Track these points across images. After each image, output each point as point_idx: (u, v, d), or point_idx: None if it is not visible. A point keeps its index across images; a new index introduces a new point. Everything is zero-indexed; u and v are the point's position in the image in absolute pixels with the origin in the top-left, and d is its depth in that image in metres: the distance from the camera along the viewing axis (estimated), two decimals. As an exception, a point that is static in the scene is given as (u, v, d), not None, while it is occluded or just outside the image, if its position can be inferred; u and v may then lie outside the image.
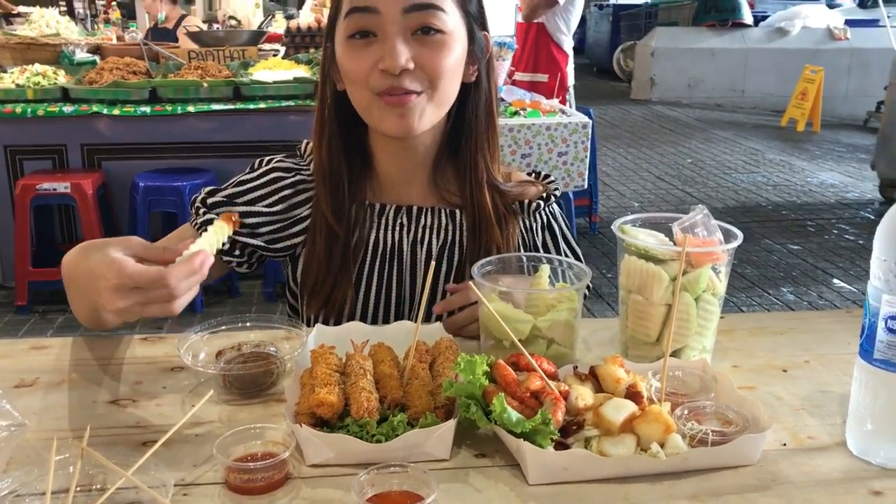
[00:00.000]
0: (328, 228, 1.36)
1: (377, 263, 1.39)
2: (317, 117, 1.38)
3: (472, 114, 1.37)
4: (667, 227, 1.16)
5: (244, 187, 1.39)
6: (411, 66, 1.23)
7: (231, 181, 1.41)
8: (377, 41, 1.24)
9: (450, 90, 1.30)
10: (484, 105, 1.38)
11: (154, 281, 0.97)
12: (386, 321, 1.38)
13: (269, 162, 1.44)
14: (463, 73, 1.32)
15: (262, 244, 1.38)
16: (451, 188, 1.41)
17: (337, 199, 1.37)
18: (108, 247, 1.02)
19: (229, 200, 1.37)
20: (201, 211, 1.37)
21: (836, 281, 4.88)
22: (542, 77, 5.35)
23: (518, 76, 5.43)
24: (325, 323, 1.35)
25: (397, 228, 1.40)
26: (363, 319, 1.38)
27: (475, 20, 1.33)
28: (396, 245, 1.40)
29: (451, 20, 1.27)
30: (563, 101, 5.20)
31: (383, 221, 1.40)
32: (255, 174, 1.41)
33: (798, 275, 4.96)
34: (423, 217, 1.41)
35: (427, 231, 1.41)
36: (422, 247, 1.41)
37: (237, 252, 1.38)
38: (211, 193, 1.39)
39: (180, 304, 0.99)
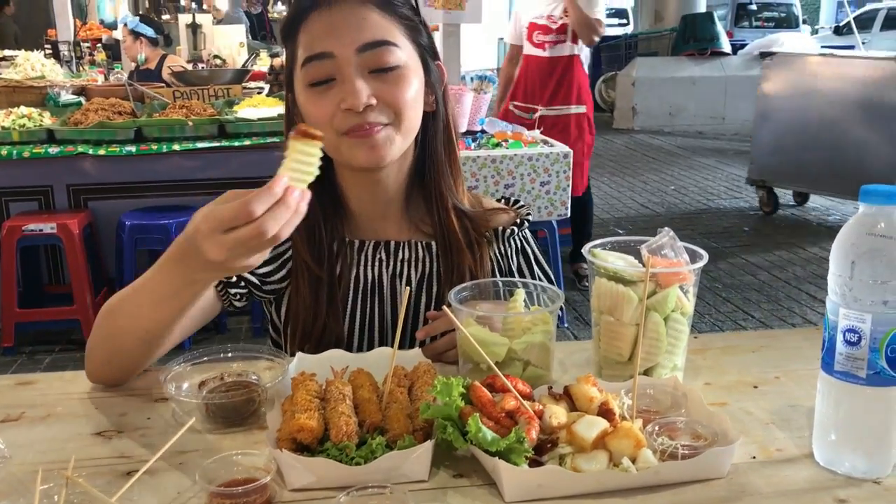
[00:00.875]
0: (310, 272, 1.39)
1: (359, 299, 1.42)
2: None
3: (432, 142, 1.42)
4: (636, 249, 1.20)
5: None
6: (373, 101, 1.27)
7: None
8: (336, 84, 1.28)
9: (415, 119, 1.34)
10: (443, 133, 1.42)
11: (238, 214, 0.95)
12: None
13: None
14: (424, 102, 1.37)
15: (257, 282, 1.40)
16: (424, 219, 1.45)
17: (314, 242, 1.39)
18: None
19: None
20: None
21: (820, 302, 4.93)
22: (582, 108, 5.06)
23: (547, 111, 5.03)
24: None
25: (377, 264, 1.43)
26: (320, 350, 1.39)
27: (427, 51, 1.37)
28: (377, 280, 1.43)
29: (405, 53, 1.31)
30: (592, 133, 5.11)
31: (363, 258, 1.43)
32: None
33: (782, 298, 5.01)
34: (400, 251, 1.44)
35: (405, 265, 1.44)
36: (401, 280, 1.43)
37: (242, 283, 1.39)
38: None
39: (271, 240, 0.97)
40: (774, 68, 6.84)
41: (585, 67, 5.13)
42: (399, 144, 1.33)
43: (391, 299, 1.43)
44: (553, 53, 4.98)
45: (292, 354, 1.40)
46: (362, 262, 1.43)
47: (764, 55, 7.47)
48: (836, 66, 6.55)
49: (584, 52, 5.07)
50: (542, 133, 4.72)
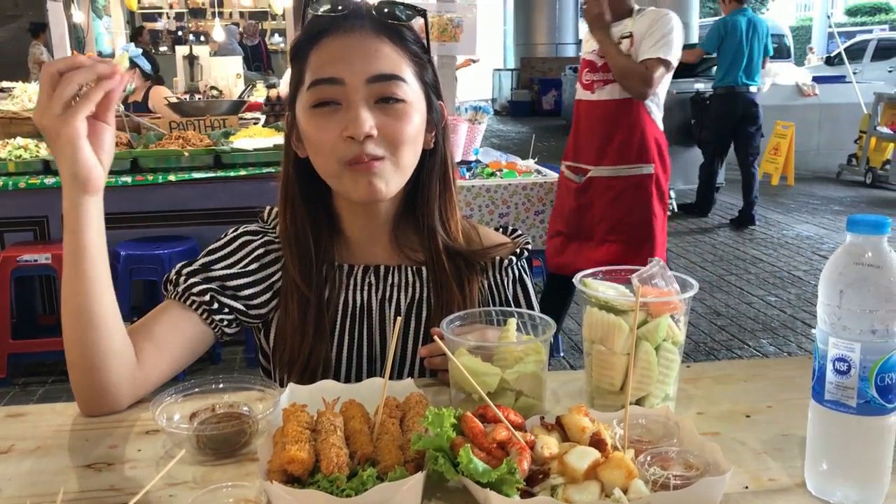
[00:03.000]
0: (299, 294, 1.39)
1: (347, 323, 1.42)
2: (281, 185, 1.43)
3: (427, 179, 1.42)
4: (627, 279, 1.20)
5: (217, 255, 1.43)
6: (375, 132, 1.28)
7: (202, 253, 1.45)
8: (341, 110, 1.29)
9: (411, 156, 1.35)
10: (439, 170, 1.43)
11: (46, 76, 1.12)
12: (359, 379, 1.40)
13: (235, 230, 1.48)
14: (423, 140, 1.38)
15: (242, 308, 1.41)
16: (414, 245, 1.46)
17: (305, 263, 1.40)
18: None
19: (204, 269, 1.40)
20: (180, 280, 1.39)
21: (815, 331, 4.92)
22: (647, 168, 3.70)
23: (596, 171, 3.75)
24: (299, 384, 1.37)
25: (366, 288, 1.44)
26: (336, 378, 1.40)
27: (432, 89, 1.39)
28: (366, 305, 1.43)
29: (411, 90, 1.32)
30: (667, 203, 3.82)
31: (352, 282, 1.44)
32: (224, 241, 1.45)
33: (777, 326, 5.01)
34: (389, 276, 1.45)
35: (395, 289, 1.44)
36: (390, 305, 1.44)
37: (226, 310, 1.40)
38: (184, 266, 1.42)
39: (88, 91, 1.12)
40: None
41: (657, 114, 3.71)
42: (397, 181, 1.34)
43: (380, 324, 1.43)
44: (602, 96, 3.68)
45: (281, 381, 1.41)
46: (351, 287, 1.43)
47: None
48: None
49: (657, 95, 3.66)
50: (593, 200, 3.75)
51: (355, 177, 1.30)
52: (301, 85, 1.33)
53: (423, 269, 1.45)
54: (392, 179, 1.33)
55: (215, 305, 1.38)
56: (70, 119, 1.12)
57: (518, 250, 1.52)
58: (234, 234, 1.46)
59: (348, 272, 1.44)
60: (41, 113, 1.13)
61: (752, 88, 7.34)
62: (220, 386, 1.23)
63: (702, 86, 8.14)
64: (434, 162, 1.43)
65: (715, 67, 7.69)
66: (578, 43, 17.78)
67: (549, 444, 1.01)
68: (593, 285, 1.20)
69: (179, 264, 1.43)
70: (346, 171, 1.30)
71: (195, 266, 1.41)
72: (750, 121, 7.41)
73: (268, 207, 1.52)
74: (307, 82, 1.31)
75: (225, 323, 1.40)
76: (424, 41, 1.38)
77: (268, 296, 1.42)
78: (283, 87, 5.93)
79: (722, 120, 7.49)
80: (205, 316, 1.37)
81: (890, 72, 16.13)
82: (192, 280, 1.38)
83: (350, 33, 1.29)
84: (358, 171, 1.30)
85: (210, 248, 1.44)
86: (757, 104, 7.42)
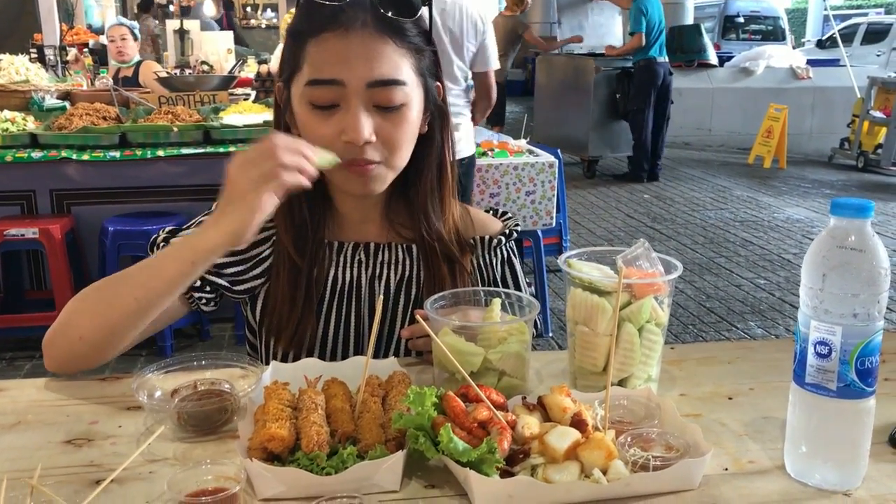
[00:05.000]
0: (291, 264, 1.38)
1: (335, 300, 1.42)
2: None
3: (421, 162, 1.41)
4: (612, 260, 1.20)
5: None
6: (374, 138, 1.26)
7: (191, 223, 1.43)
8: (340, 112, 1.26)
9: (406, 155, 1.34)
10: (434, 153, 1.41)
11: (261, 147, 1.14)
12: (345, 356, 1.40)
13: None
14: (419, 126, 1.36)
15: (227, 284, 1.40)
16: (405, 223, 1.45)
17: (300, 234, 1.40)
18: None
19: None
20: (162, 247, 1.38)
21: (798, 315, 4.94)
22: None
23: None
24: (285, 360, 1.37)
25: (356, 265, 1.43)
26: (323, 355, 1.40)
27: (429, 75, 1.35)
28: (355, 281, 1.43)
29: (410, 88, 1.29)
30: None
31: (342, 259, 1.43)
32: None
33: (766, 309, 5.03)
34: (380, 253, 1.44)
35: (384, 267, 1.44)
36: (380, 282, 1.43)
37: (207, 288, 1.40)
38: (172, 234, 1.41)
39: (288, 175, 1.13)
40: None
41: None
42: (389, 178, 1.35)
43: (369, 301, 1.43)
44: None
45: (267, 353, 1.41)
46: (341, 264, 1.43)
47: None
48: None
49: None
50: None
51: (349, 176, 1.30)
52: (298, 69, 1.30)
53: (414, 247, 1.45)
54: (386, 178, 1.34)
55: (197, 283, 1.37)
56: (261, 190, 1.12)
57: (507, 231, 1.52)
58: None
59: (338, 249, 1.43)
60: (241, 168, 1.14)
61: (663, 60, 8.48)
62: (202, 363, 1.23)
63: (625, 63, 8.87)
64: (428, 145, 1.41)
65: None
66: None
67: (530, 424, 1.01)
68: (578, 266, 1.19)
69: (169, 228, 1.43)
70: (340, 168, 1.29)
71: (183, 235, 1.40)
72: (666, 88, 8.58)
73: None
74: (306, 75, 1.28)
75: (203, 301, 1.40)
76: (428, 25, 1.35)
77: (255, 272, 1.42)
78: (275, 63, 5.88)
79: (646, 89, 8.48)
80: (185, 293, 1.36)
81: (878, 55, 16.15)
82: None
83: (351, 31, 1.25)
84: (352, 171, 1.29)
85: (199, 219, 1.43)
86: (671, 73, 8.65)
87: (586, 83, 9.10)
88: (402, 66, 1.28)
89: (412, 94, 1.30)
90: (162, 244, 1.40)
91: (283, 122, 1.38)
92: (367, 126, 1.25)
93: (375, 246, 1.44)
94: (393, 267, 1.44)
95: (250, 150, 1.15)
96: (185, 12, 11.97)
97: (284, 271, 1.39)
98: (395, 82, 1.27)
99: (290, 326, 1.38)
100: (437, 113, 1.40)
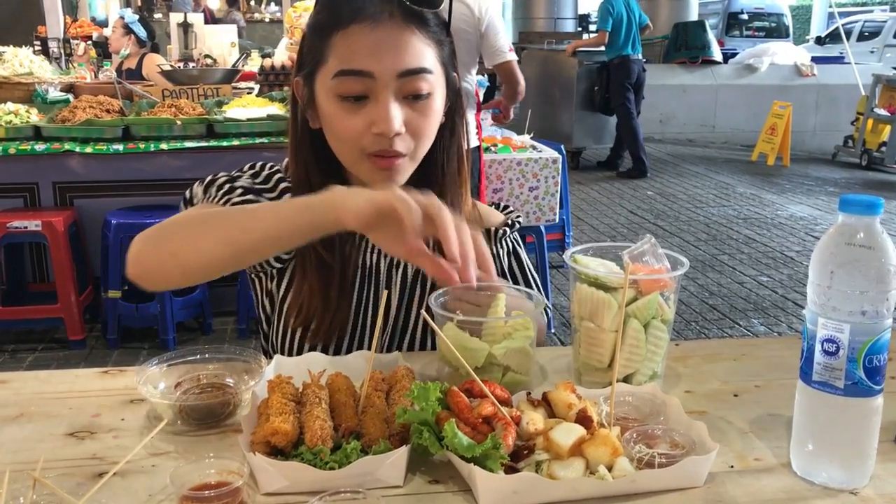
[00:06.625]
0: (318, 259, 1.36)
1: (356, 286, 1.41)
2: (292, 153, 1.39)
3: (440, 153, 1.39)
4: (618, 255, 1.19)
5: (253, 182, 1.39)
6: (403, 129, 1.26)
7: (231, 173, 1.40)
8: (369, 102, 1.25)
9: (428, 146, 1.33)
10: (453, 142, 1.40)
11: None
12: (360, 343, 1.38)
13: (263, 164, 1.44)
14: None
15: None
16: None
17: None
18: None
19: (250, 189, 1.37)
20: (216, 192, 1.36)
21: (805, 312, 4.93)
22: None
23: None
24: (301, 349, 1.36)
25: (376, 251, 1.42)
26: (339, 342, 1.38)
27: (449, 65, 1.35)
28: (374, 267, 1.41)
29: (435, 78, 1.29)
30: None
31: (363, 243, 1.41)
32: (262, 174, 1.41)
33: (768, 306, 5.02)
34: None
35: None
36: (397, 271, 1.42)
37: None
38: (230, 180, 1.38)
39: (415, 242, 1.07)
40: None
41: None
42: (410, 171, 1.33)
43: (385, 287, 1.41)
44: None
45: (280, 345, 1.39)
46: (362, 249, 1.41)
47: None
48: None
49: None
50: None
51: (374, 169, 1.29)
52: (321, 64, 1.28)
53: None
54: (408, 171, 1.32)
55: None
56: (396, 204, 1.06)
57: (510, 222, 1.51)
58: (270, 170, 1.42)
59: (360, 234, 1.41)
60: (404, 197, 1.07)
61: (637, 56, 8.66)
62: (205, 356, 1.22)
63: (605, 58, 9.02)
64: (448, 135, 1.39)
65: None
66: (578, 18, 17.64)
67: (535, 420, 1.00)
68: (583, 261, 1.19)
69: (207, 178, 1.39)
70: (366, 160, 1.28)
71: (241, 183, 1.37)
72: (641, 84, 8.81)
73: (259, 163, 1.46)
74: (333, 67, 1.26)
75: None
76: (447, 18, 1.34)
77: (292, 253, 1.38)
78: (278, 56, 5.87)
79: (623, 84, 8.70)
80: None
81: (871, 52, 16.20)
82: (230, 197, 1.35)
83: (379, 23, 1.24)
84: (378, 165, 1.28)
85: (244, 171, 1.40)
86: (645, 69, 8.91)
87: (569, 77, 9.50)
88: (427, 55, 1.28)
89: (437, 84, 1.30)
90: (200, 192, 1.38)
91: (301, 118, 1.36)
92: (398, 117, 1.25)
93: None
94: None
95: (415, 206, 1.07)
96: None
97: (312, 268, 1.36)
98: (424, 71, 1.27)
99: (325, 324, 1.36)
100: (455, 102, 1.39)
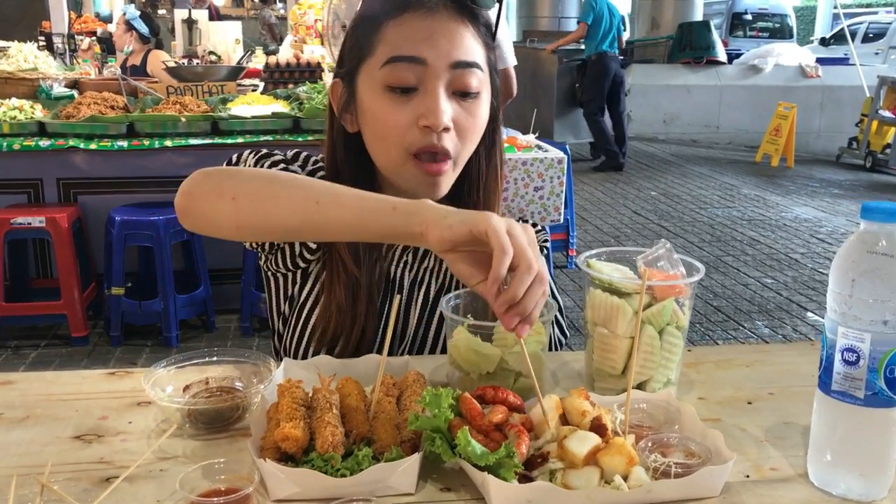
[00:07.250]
0: (347, 274, 1.32)
1: (380, 298, 1.37)
2: (328, 160, 1.36)
3: (479, 164, 1.34)
4: (631, 260, 1.18)
5: (301, 171, 1.36)
6: (451, 125, 1.22)
7: (286, 154, 1.37)
8: (417, 95, 1.22)
9: (470, 152, 1.29)
10: (490, 153, 1.36)
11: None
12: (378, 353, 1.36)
13: (307, 160, 1.40)
14: None
15: (298, 247, 1.33)
16: None
17: (353, 245, 1.33)
18: None
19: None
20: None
21: (810, 314, 4.92)
22: None
23: None
24: (317, 352, 1.32)
25: (402, 265, 1.39)
26: (357, 353, 1.35)
27: (494, 71, 1.31)
28: (398, 280, 1.39)
29: (484, 77, 1.26)
30: None
31: (389, 255, 1.39)
32: (302, 158, 1.39)
33: (773, 308, 5.01)
34: (426, 259, 1.40)
35: (428, 273, 1.40)
36: (419, 288, 1.39)
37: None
38: (285, 161, 1.36)
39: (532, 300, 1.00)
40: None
41: None
42: (453, 180, 1.29)
43: (407, 304, 1.39)
44: None
45: (297, 346, 1.37)
46: (387, 259, 1.38)
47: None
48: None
49: None
50: None
51: (419, 174, 1.24)
52: (367, 57, 1.24)
53: None
54: (451, 181, 1.28)
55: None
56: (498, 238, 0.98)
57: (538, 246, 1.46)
58: (314, 165, 1.39)
59: (388, 245, 1.38)
60: (520, 236, 1.00)
61: (614, 53, 8.99)
62: (213, 358, 1.21)
63: (584, 55, 9.42)
64: (489, 144, 1.35)
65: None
66: (582, 17, 17.64)
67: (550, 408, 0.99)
68: (597, 266, 1.17)
69: (261, 151, 1.36)
70: (410, 162, 1.23)
71: (289, 167, 1.33)
72: (620, 81, 9.15)
73: (303, 154, 1.42)
74: (382, 57, 1.22)
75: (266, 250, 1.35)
76: (494, 26, 1.32)
77: (320, 253, 1.35)
78: (283, 53, 5.85)
79: (600, 80, 9.01)
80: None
81: (876, 54, 16.19)
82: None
83: (434, 13, 1.22)
84: (423, 169, 1.23)
85: (287, 156, 1.37)
86: (623, 67, 9.35)
87: (550, 74, 10.11)
88: (479, 52, 1.25)
89: (485, 84, 1.27)
90: (281, 166, 1.34)
91: (337, 123, 1.32)
92: (447, 110, 1.21)
93: (424, 251, 1.39)
94: (435, 275, 1.40)
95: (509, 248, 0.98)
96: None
97: (339, 283, 1.32)
98: (475, 65, 1.24)
99: (353, 338, 1.33)
100: (497, 110, 1.35)
